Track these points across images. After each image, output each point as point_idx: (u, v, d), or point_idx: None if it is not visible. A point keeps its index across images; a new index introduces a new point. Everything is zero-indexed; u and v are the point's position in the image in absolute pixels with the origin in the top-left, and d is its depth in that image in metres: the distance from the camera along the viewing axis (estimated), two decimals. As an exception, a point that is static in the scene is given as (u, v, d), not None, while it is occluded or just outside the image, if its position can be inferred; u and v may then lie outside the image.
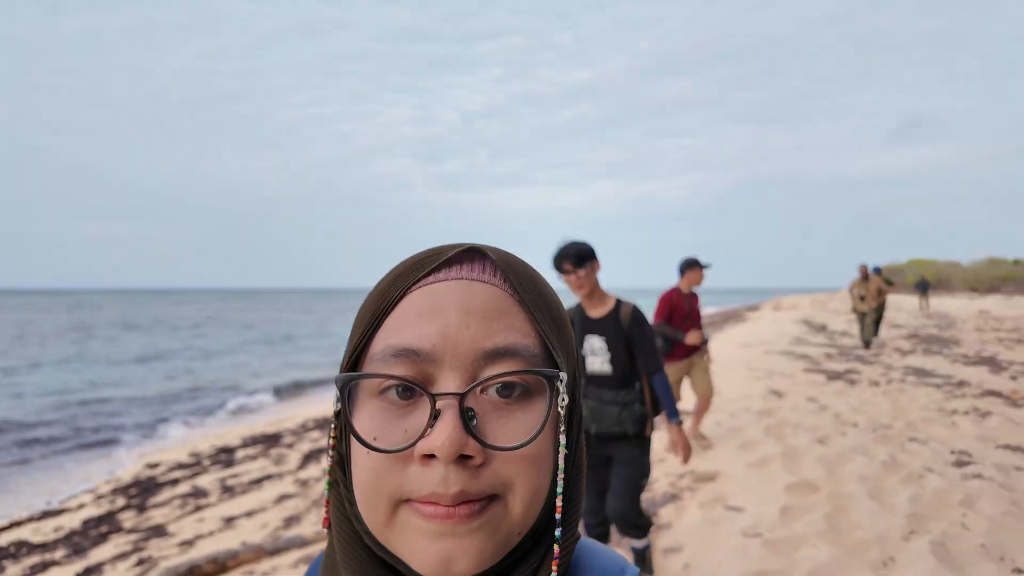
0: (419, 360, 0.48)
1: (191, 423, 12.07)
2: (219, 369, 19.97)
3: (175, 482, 7.20)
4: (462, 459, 0.46)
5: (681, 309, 5.33)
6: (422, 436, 0.46)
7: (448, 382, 0.48)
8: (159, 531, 5.41)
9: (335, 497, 0.55)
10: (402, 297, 0.52)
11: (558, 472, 0.51)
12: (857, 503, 4.00)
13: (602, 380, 2.96)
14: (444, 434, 0.45)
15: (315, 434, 9.46)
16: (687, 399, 6.95)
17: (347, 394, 0.51)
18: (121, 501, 6.64)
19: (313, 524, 5.10)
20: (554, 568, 0.51)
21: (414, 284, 0.53)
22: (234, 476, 7.13)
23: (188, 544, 4.95)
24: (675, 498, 4.47)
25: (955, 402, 7.28)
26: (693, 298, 5.48)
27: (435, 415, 0.46)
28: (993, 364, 10.34)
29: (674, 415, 2.94)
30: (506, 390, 0.49)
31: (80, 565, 4.78)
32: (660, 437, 6.32)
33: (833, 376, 9.53)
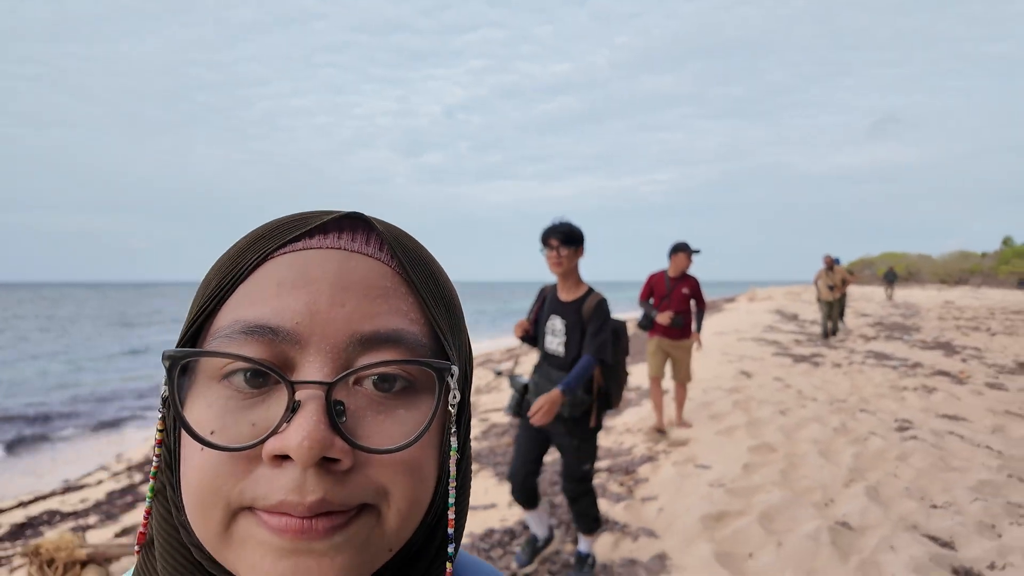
0: (277, 340, 0.39)
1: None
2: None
3: (186, 459, 7.66)
4: (325, 462, 0.37)
5: (660, 290, 5.74)
6: (275, 432, 0.37)
7: (313, 369, 0.39)
8: (183, 498, 5.89)
9: (159, 504, 0.45)
10: (261, 263, 0.43)
11: (449, 479, 0.44)
12: (808, 460, 4.63)
13: (554, 360, 3.01)
14: (304, 431, 0.36)
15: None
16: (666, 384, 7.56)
17: (177, 376, 0.40)
18: (138, 476, 7.10)
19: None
20: None
21: (277, 249, 0.43)
22: (243, 453, 7.61)
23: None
24: (651, 459, 5.07)
25: (907, 380, 7.99)
26: (679, 282, 5.69)
27: (293, 407, 0.37)
28: (948, 348, 11.13)
29: (566, 384, 2.77)
30: (385, 383, 0.41)
31: (116, 527, 5.25)
32: (637, 412, 6.94)
33: (799, 359, 10.23)
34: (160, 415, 0.43)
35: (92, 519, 5.61)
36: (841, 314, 14.04)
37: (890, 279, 29.03)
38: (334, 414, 0.37)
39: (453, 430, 0.43)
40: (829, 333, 13.32)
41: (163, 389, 0.41)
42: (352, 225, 0.45)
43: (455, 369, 0.42)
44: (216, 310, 0.43)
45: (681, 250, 5.65)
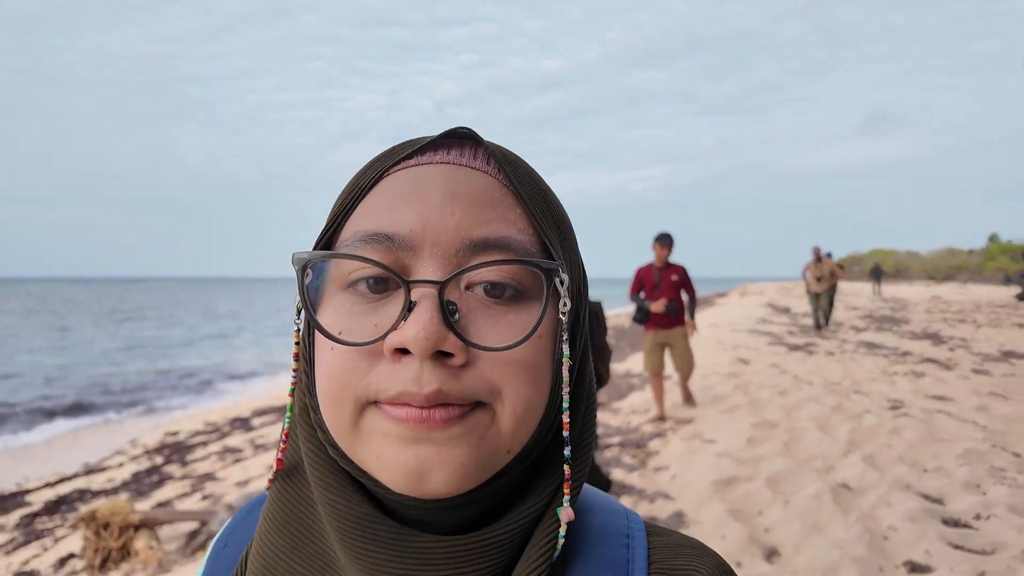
0: (393, 247, 0.42)
1: (187, 401, 12.66)
2: (204, 353, 20.42)
3: (204, 443, 7.90)
4: (440, 357, 0.39)
5: (649, 280, 6.00)
6: (394, 328, 0.40)
7: (426, 271, 0.41)
8: (210, 476, 6.14)
9: (303, 424, 0.48)
10: (378, 181, 0.46)
11: (562, 387, 0.45)
12: (808, 434, 4.95)
13: None
14: (419, 324, 0.38)
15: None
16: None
17: (309, 287, 0.44)
18: (159, 458, 7.34)
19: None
20: (566, 491, 0.45)
21: (393, 167, 0.46)
22: (260, 436, 7.87)
23: (242, 484, 5.71)
24: (659, 436, 5.38)
25: (897, 367, 8.35)
26: (667, 270, 5.98)
27: (410, 306, 0.40)
28: (936, 339, 11.52)
29: None
30: (495, 290, 0.42)
31: (151, 502, 5.50)
32: (641, 395, 7.25)
33: (793, 348, 10.59)
34: (295, 328, 0.47)
35: (123, 497, 5.85)
36: (830, 308, 14.39)
37: (876, 275, 29.62)
38: (447, 311, 0.39)
39: (565, 337, 0.44)
40: (821, 324, 13.66)
41: (296, 299, 0.45)
42: (461, 142, 0.47)
43: (565, 277, 0.43)
44: (341, 225, 0.46)
45: (655, 241, 5.94)
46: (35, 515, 5.51)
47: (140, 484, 6.23)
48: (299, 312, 0.46)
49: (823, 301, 13.83)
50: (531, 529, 0.45)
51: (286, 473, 0.50)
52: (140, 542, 3.96)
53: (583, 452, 0.47)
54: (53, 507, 5.71)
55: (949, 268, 54.62)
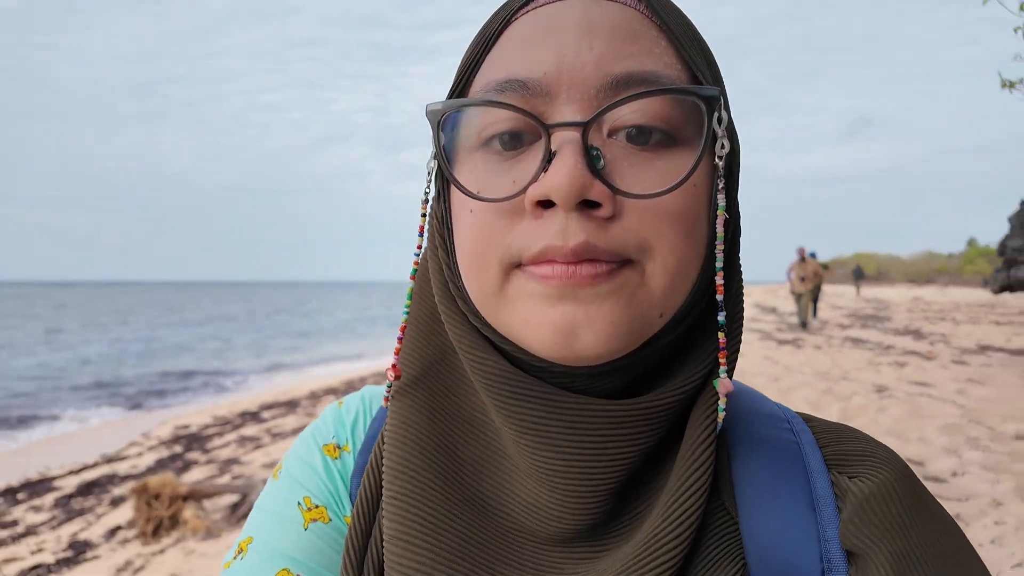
0: (528, 94, 0.39)
1: (189, 399, 12.87)
2: (200, 354, 20.56)
3: (219, 434, 8.17)
4: (585, 208, 0.37)
5: None
6: (535, 180, 0.37)
7: (566, 115, 0.38)
8: (235, 461, 6.43)
9: (438, 274, 0.47)
10: (506, 27, 0.42)
11: (716, 243, 0.41)
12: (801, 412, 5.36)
13: None
14: (562, 171, 0.35)
15: (330, 397, 10.47)
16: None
17: (442, 147, 0.41)
18: (178, 447, 7.60)
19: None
20: (721, 360, 0.42)
21: (520, 9, 0.42)
22: (276, 427, 8.15)
23: (268, 466, 6.00)
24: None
25: (881, 358, 8.81)
26: None
27: (550, 157, 0.37)
28: (917, 334, 12.03)
29: None
30: (642, 136, 0.38)
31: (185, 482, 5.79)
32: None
33: (783, 342, 11.05)
34: (423, 198, 0.46)
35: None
36: (815, 307, 14.84)
37: (858, 276, 30.50)
38: (591, 157, 0.36)
39: (721, 186, 0.40)
40: (806, 322, 14.10)
41: (429, 164, 0.44)
42: None
43: (724, 114, 0.39)
44: (470, 80, 0.43)
45: None
46: (70, 496, 5.77)
47: (166, 469, 6.49)
48: (429, 179, 0.46)
49: (805, 301, 14.21)
50: (689, 401, 0.43)
51: (405, 386, 0.48)
52: (188, 511, 4.27)
53: (738, 320, 0.44)
54: (86, 489, 5.97)
55: (929, 271, 55.74)
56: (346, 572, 0.44)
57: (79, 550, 4.19)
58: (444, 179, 0.46)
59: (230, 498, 4.67)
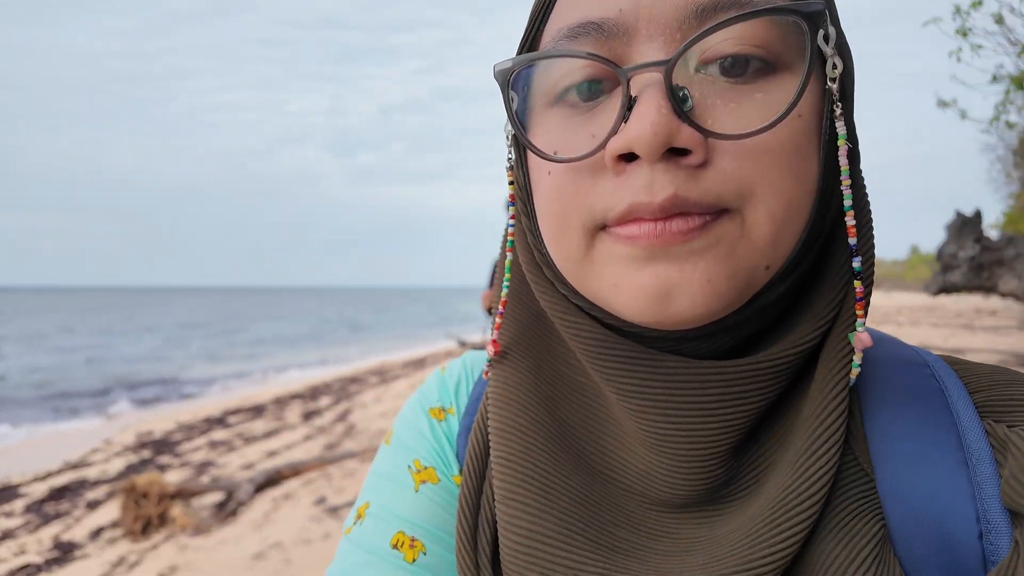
0: (603, 37, 0.35)
1: (143, 405, 12.64)
2: (154, 360, 20.09)
3: (189, 439, 8.12)
4: (673, 156, 0.33)
5: None
6: (614, 132, 0.34)
7: (646, 54, 0.35)
8: (211, 464, 6.45)
9: (522, 241, 0.45)
10: None
11: (841, 178, 0.37)
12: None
13: None
14: (644, 118, 0.32)
15: (296, 402, 10.46)
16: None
17: (515, 106, 0.39)
18: (147, 452, 7.53)
19: (359, 443, 6.33)
20: (859, 312, 0.38)
21: None
22: (246, 431, 8.15)
23: (247, 467, 6.06)
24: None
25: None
26: None
27: (630, 103, 0.33)
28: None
29: None
30: (736, 67, 0.34)
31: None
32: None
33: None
34: (507, 164, 0.45)
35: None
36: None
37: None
38: (676, 99, 0.33)
39: (838, 111, 0.36)
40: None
41: (506, 128, 0.43)
42: None
43: (832, 29, 0.34)
44: (540, 31, 0.40)
45: None
46: (42, 502, 5.71)
47: (139, 473, 6.46)
48: (509, 143, 0.44)
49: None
50: (809, 358, 0.40)
51: (505, 350, 0.47)
52: (176, 509, 4.33)
53: (871, 263, 0.40)
54: (58, 494, 5.90)
55: (876, 277, 57.88)
56: (461, 530, 0.44)
57: (66, 550, 4.21)
58: (519, 142, 0.43)
59: (215, 496, 4.74)
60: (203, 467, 6.31)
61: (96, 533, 4.50)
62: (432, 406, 0.53)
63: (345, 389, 11.54)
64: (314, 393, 11.37)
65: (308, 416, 8.83)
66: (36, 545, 4.43)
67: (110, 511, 5.01)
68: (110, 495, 5.56)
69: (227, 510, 4.46)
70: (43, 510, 5.48)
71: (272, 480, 5.07)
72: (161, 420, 10.33)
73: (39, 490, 6.17)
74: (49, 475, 6.90)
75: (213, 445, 7.43)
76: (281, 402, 10.82)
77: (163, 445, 7.86)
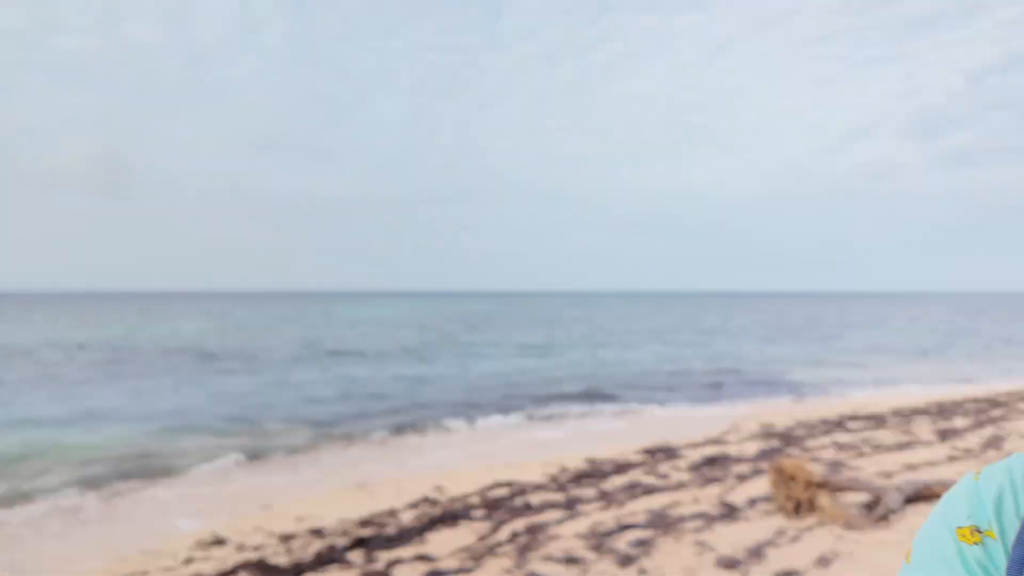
0: None
1: (755, 399, 13.41)
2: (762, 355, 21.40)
3: (811, 436, 8.36)
4: None
5: None
6: None
7: None
8: (842, 464, 6.50)
9: None
10: None
11: None
12: None
13: None
14: None
15: (922, 418, 9.46)
16: None
17: None
18: (775, 442, 8.12)
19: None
20: None
21: None
22: (872, 439, 7.87)
23: (881, 474, 5.87)
24: None
25: None
26: None
27: None
28: None
29: None
30: None
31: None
32: None
33: None
34: None
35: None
36: None
37: None
38: None
39: None
40: None
41: None
42: None
43: None
44: None
45: None
46: (700, 466, 6.87)
47: (771, 459, 7.05)
48: None
49: None
50: None
51: None
52: (824, 499, 4.54)
53: None
54: (710, 461, 7.01)
55: None
56: None
57: (730, 509, 4.96)
58: None
59: (859, 496, 4.76)
60: (835, 466, 6.41)
61: (752, 502, 5.13)
62: (960, 525, 0.43)
63: (985, 412, 9.84)
64: (940, 410, 10.12)
65: (944, 435, 7.90)
66: (706, 500, 5.37)
67: (758, 486, 5.64)
68: (755, 472, 6.26)
69: (877, 513, 4.41)
70: (702, 471, 6.59)
71: (921, 495, 4.75)
72: (777, 414, 11.00)
73: (693, 456, 7.44)
74: (696, 445, 8.24)
75: (840, 447, 7.47)
76: (902, 415, 10.02)
77: (788, 437, 8.34)
